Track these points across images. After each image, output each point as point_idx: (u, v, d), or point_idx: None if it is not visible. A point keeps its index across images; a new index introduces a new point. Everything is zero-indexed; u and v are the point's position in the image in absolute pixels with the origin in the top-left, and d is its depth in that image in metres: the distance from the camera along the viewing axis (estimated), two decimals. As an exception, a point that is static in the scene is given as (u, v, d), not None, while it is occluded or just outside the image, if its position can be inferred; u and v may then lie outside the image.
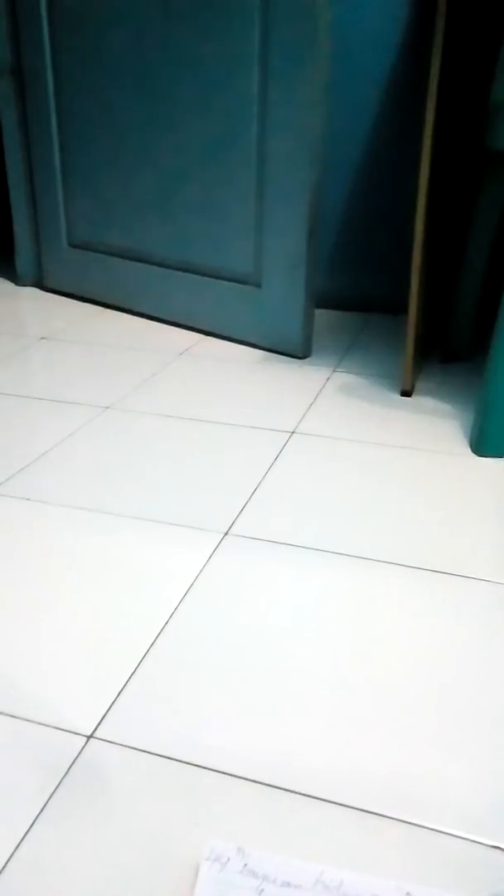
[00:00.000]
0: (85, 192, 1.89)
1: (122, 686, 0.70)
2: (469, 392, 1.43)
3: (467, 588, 0.85)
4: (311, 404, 1.36)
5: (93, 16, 1.70)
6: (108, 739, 0.64)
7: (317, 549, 0.92)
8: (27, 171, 2.00)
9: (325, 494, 1.05)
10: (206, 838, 0.55)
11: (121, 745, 0.64)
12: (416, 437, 1.23)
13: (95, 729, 0.65)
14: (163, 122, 1.66)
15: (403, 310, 1.91)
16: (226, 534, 0.95)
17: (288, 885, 0.51)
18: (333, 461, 1.15)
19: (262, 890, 0.50)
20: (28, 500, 1.02)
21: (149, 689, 0.70)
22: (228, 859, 0.53)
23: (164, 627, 0.78)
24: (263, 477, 1.09)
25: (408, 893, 0.51)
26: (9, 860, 0.54)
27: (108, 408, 1.33)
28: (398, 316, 1.92)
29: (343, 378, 1.49)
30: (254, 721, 0.66)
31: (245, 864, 0.52)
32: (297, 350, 1.61)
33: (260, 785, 0.60)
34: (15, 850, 0.55)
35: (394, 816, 0.58)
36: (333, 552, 0.91)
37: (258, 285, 1.63)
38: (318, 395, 1.40)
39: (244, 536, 0.94)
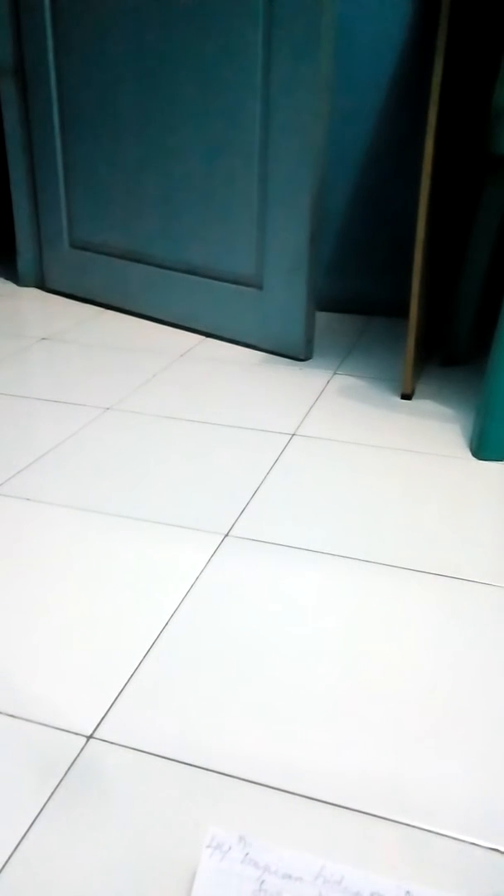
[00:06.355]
0: (86, 193, 1.89)
1: (122, 686, 0.70)
2: (469, 395, 1.43)
3: (468, 591, 0.85)
4: (312, 406, 1.36)
5: (96, 15, 1.71)
6: (108, 740, 0.64)
7: (317, 552, 0.92)
8: (29, 171, 2.01)
9: (326, 497, 1.05)
10: (206, 828, 0.55)
11: (121, 745, 0.64)
12: (417, 440, 1.23)
13: (95, 729, 0.65)
14: (165, 122, 1.66)
15: (404, 313, 1.91)
16: (226, 535, 0.95)
17: (289, 877, 0.51)
18: (334, 463, 1.15)
19: (263, 881, 0.50)
20: (28, 500, 1.02)
21: (149, 690, 0.70)
22: (230, 848, 0.52)
23: (164, 628, 0.78)
24: (264, 479, 1.10)
25: (408, 892, 0.51)
26: (8, 860, 0.54)
27: (108, 409, 1.33)
28: (399, 319, 1.93)
29: (344, 380, 1.49)
30: (254, 722, 0.66)
31: (247, 854, 0.52)
32: (298, 352, 1.61)
33: (259, 786, 0.60)
34: (15, 850, 0.55)
35: (393, 818, 0.58)
36: (334, 554, 0.91)
37: (259, 287, 1.63)
38: (318, 397, 1.40)
39: (245, 538, 0.94)
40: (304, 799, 0.59)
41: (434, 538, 0.95)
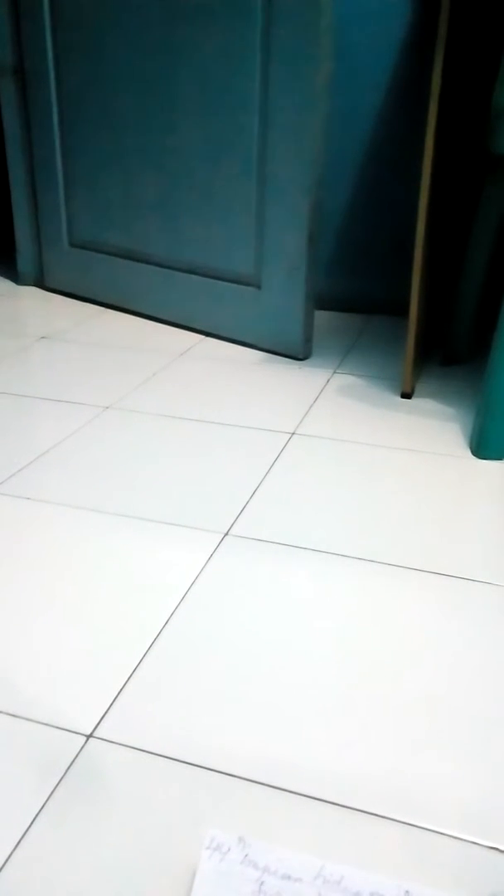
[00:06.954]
0: (86, 192, 1.89)
1: (121, 685, 0.70)
2: (469, 394, 1.43)
3: (467, 590, 0.85)
4: (312, 405, 1.36)
5: (95, 16, 1.71)
6: (108, 739, 0.64)
7: (316, 551, 0.92)
8: (28, 171, 2.01)
9: (325, 496, 1.05)
10: (206, 829, 0.55)
11: (121, 744, 0.64)
12: (416, 439, 1.23)
13: (95, 728, 0.65)
14: (164, 122, 1.66)
15: (404, 311, 1.91)
16: (226, 534, 0.95)
17: (288, 877, 0.51)
18: (333, 462, 1.15)
19: (263, 882, 0.50)
20: (28, 499, 1.02)
21: (148, 689, 0.70)
22: (229, 849, 0.53)
23: (163, 627, 0.78)
24: (263, 478, 1.10)
25: (407, 892, 0.51)
26: (8, 859, 0.54)
27: (108, 408, 1.33)
28: (399, 318, 1.93)
29: (343, 379, 1.49)
30: (253, 721, 0.66)
31: (246, 855, 0.52)
32: (298, 351, 1.61)
33: (259, 785, 0.60)
34: (14, 850, 0.55)
35: (392, 817, 0.58)
36: (333, 553, 0.91)
37: (258, 286, 1.63)
38: (318, 396, 1.40)
39: (244, 537, 0.94)
40: (304, 798, 0.59)
41: (434, 537, 0.95)
